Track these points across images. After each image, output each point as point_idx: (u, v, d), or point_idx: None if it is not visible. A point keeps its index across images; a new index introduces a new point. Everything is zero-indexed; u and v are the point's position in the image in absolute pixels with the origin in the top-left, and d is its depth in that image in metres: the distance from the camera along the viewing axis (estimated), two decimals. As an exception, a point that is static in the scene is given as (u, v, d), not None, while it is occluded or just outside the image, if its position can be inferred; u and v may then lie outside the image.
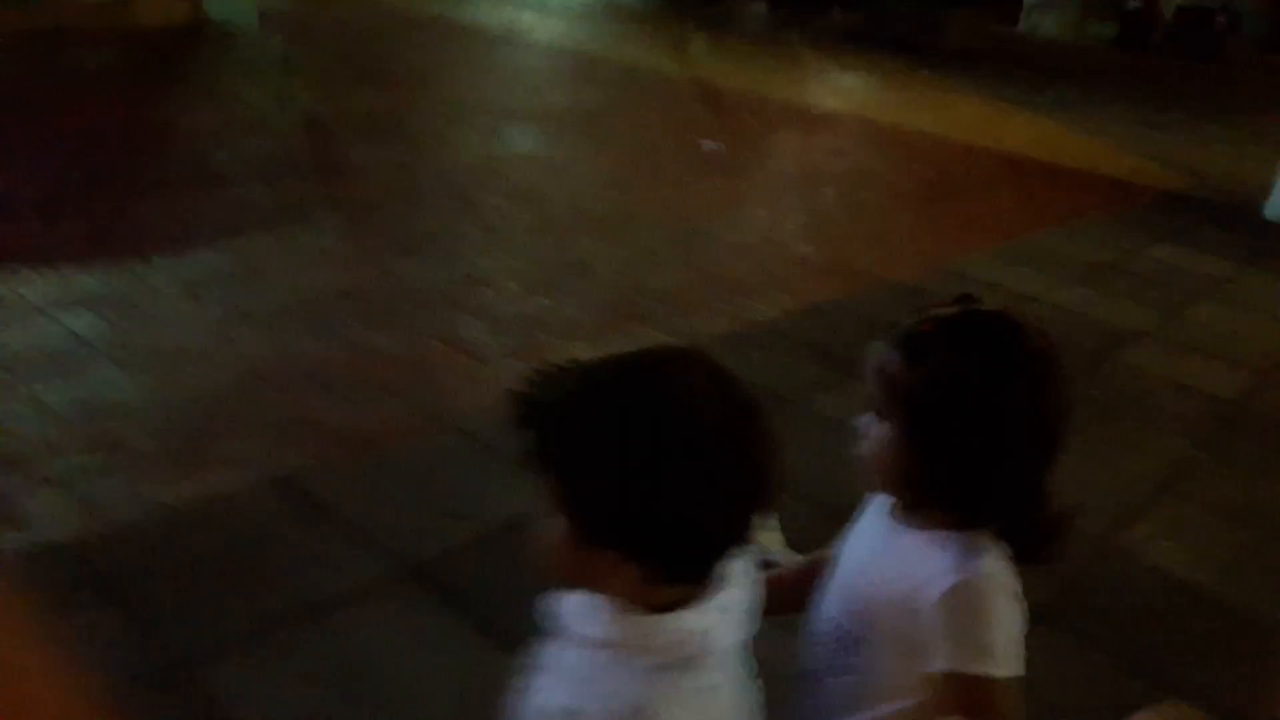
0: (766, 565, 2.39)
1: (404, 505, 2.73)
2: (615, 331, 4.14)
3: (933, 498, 1.21)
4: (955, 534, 1.19)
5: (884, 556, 1.26)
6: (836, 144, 8.50)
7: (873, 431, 1.23)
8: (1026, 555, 1.20)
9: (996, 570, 1.18)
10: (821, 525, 2.91)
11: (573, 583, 0.98)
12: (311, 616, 2.27)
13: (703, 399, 0.92)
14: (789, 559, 2.68)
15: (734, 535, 0.97)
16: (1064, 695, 2.26)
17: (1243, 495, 3.41)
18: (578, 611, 0.99)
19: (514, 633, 2.25)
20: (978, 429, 1.15)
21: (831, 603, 1.33)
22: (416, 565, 2.49)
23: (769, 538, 2.73)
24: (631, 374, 0.95)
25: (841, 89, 11.38)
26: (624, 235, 5.53)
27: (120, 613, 2.17)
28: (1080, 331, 4.68)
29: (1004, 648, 1.15)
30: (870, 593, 1.26)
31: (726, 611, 0.99)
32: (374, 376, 3.46)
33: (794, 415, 3.56)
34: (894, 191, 7.11)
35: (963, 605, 1.16)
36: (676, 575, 0.95)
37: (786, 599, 1.41)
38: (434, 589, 2.42)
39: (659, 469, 0.89)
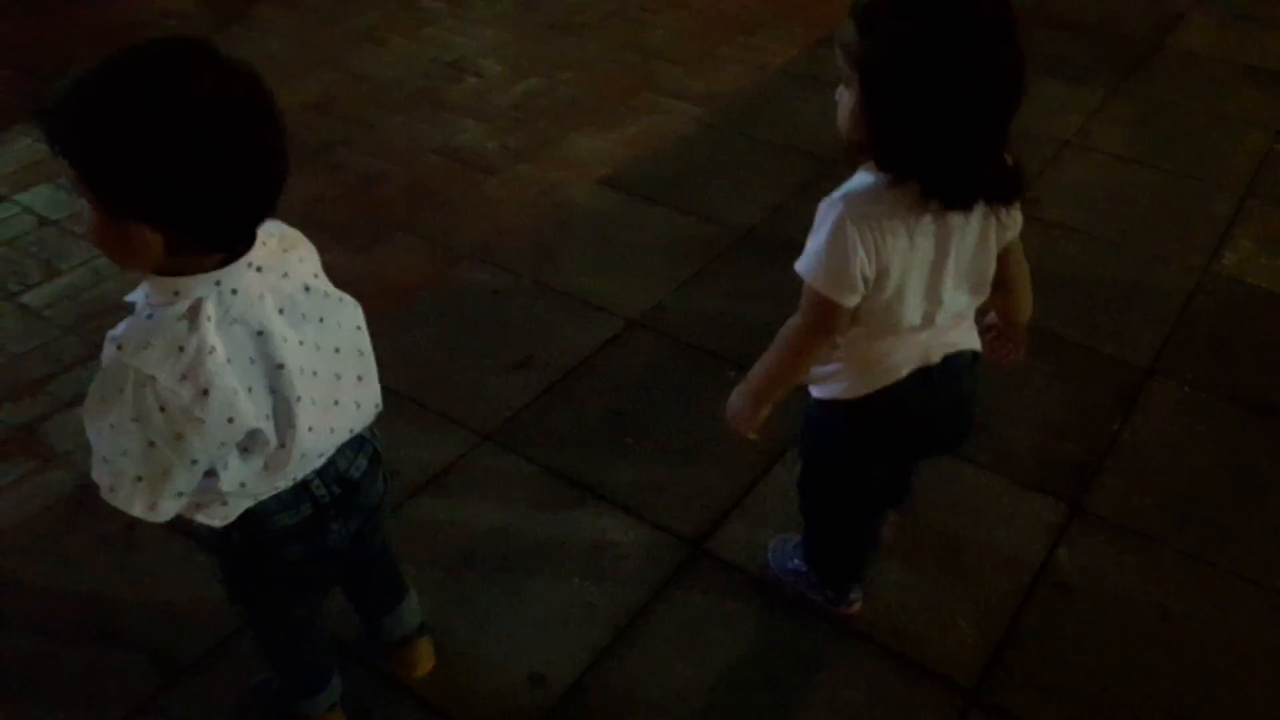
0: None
1: (456, 364, 2.50)
2: (623, 105, 3.72)
3: (877, 156, 1.33)
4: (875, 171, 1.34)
5: None
6: None
7: (841, 100, 1.35)
8: (956, 203, 1.33)
9: (866, 203, 1.34)
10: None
11: (114, 258, 1.14)
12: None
13: (201, 83, 1.03)
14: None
15: (251, 210, 1.13)
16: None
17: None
18: (138, 292, 1.16)
19: (598, 480, 2.13)
20: (914, 95, 1.23)
21: None
22: (487, 432, 2.30)
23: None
24: (125, 66, 1.04)
25: None
26: (602, -21, 4.92)
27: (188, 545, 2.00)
28: (1125, 17, 4.23)
29: (829, 263, 1.35)
30: None
31: (229, 278, 1.13)
32: (375, 210, 3.12)
33: (841, 175, 3.24)
34: None
35: (819, 218, 1.37)
36: (194, 242, 1.10)
37: None
38: (510, 452, 2.24)
39: (162, 151, 1.01)
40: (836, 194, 1.36)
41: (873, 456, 1.65)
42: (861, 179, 1.36)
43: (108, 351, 1.12)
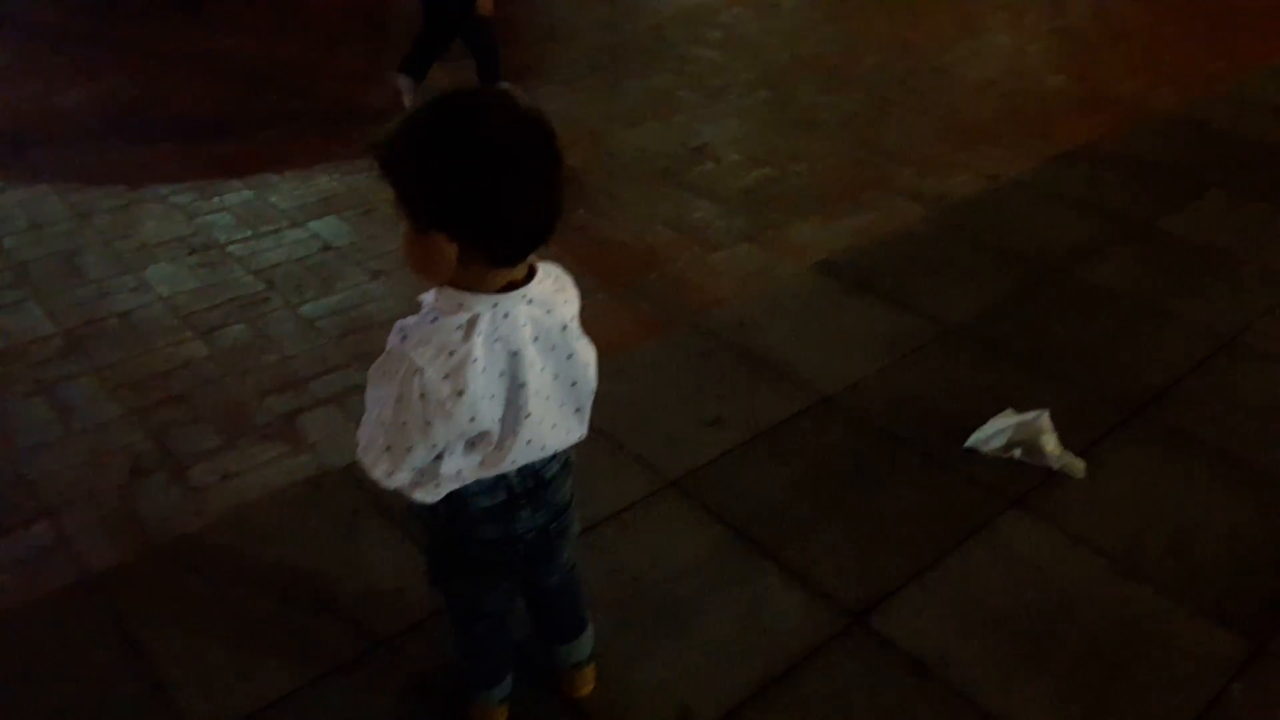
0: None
1: (655, 414, 2.69)
2: (848, 201, 3.87)
3: None
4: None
5: None
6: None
7: None
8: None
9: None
10: (1098, 414, 2.70)
11: (415, 269, 1.34)
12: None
13: (499, 121, 1.25)
14: (1067, 464, 2.48)
15: (530, 232, 1.31)
16: None
17: None
18: (429, 294, 1.39)
19: (770, 540, 2.23)
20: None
21: None
22: (674, 479, 2.46)
23: (1046, 440, 2.52)
24: (442, 106, 1.26)
25: None
26: (849, 82, 5.14)
27: (401, 535, 2.26)
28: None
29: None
30: None
31: (505, 303, 1.34)
32: (607, 271, 3.40)
33: (1058, 286, 3.24)
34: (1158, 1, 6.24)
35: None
36: (485, 257, 1.31)
37: None
38: (691, 501, 2.39)
39: (464, 171, 1.23)
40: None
41: None
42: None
43: (394, 338, 1.36)
